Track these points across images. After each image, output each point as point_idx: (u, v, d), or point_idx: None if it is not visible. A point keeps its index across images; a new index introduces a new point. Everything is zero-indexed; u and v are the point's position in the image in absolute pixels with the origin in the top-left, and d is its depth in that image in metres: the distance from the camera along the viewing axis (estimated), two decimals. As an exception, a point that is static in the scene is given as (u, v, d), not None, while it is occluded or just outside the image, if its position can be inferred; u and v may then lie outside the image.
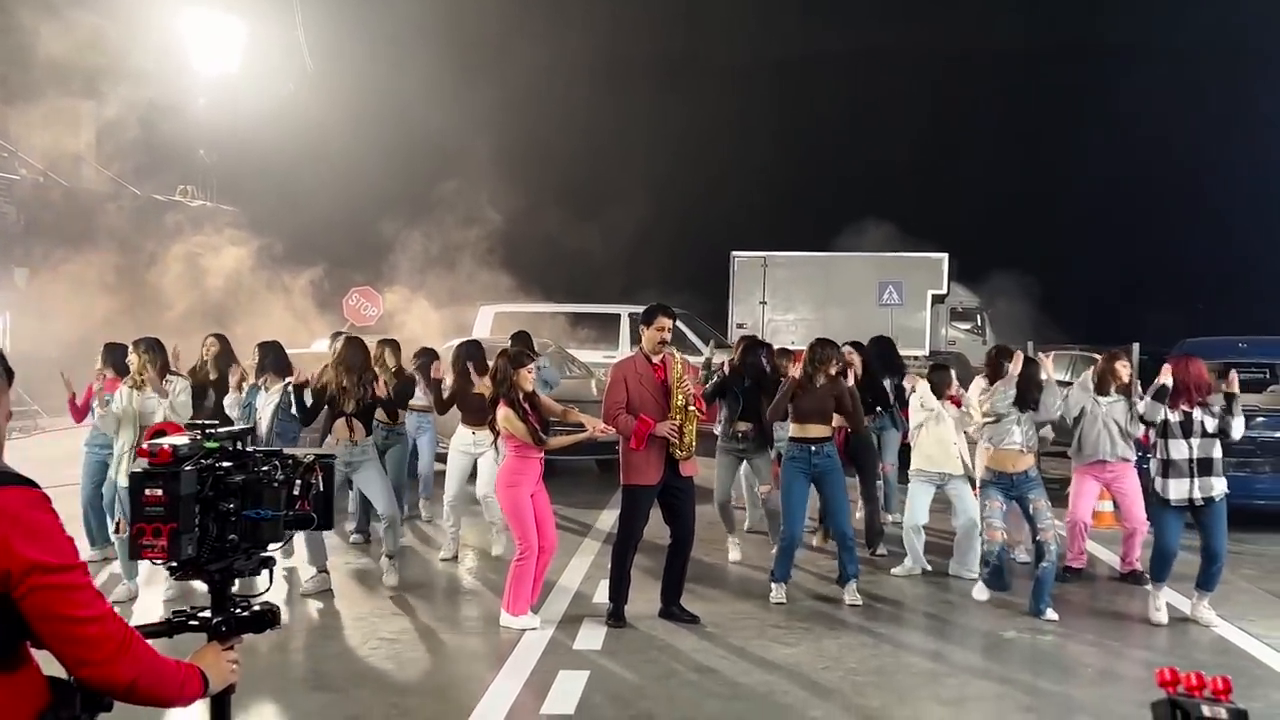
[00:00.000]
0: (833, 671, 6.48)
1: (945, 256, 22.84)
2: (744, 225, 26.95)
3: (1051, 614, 7.62)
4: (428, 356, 10.45)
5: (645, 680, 6.27)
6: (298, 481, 2.91)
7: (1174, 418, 7.48)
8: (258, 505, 2.76)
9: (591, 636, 7.06)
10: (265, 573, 2.94)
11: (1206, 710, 1.40)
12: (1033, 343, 14.84)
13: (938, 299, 22.99)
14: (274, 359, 9.05)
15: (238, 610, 2.87)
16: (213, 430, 2.80)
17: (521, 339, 10.38)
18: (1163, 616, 7.55)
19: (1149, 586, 7.80)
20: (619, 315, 19.33)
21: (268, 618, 2.90)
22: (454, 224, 21.80)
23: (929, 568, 8.92)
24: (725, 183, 32.79)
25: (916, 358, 21.07)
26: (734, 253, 23.80)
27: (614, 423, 7.24)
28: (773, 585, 8.10)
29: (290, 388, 8.64)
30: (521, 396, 7.22)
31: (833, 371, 8.18)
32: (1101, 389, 8.86)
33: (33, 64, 18.62)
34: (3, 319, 18.93)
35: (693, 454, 7.30)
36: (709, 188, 32.27)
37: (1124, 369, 8.96)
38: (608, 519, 10.52)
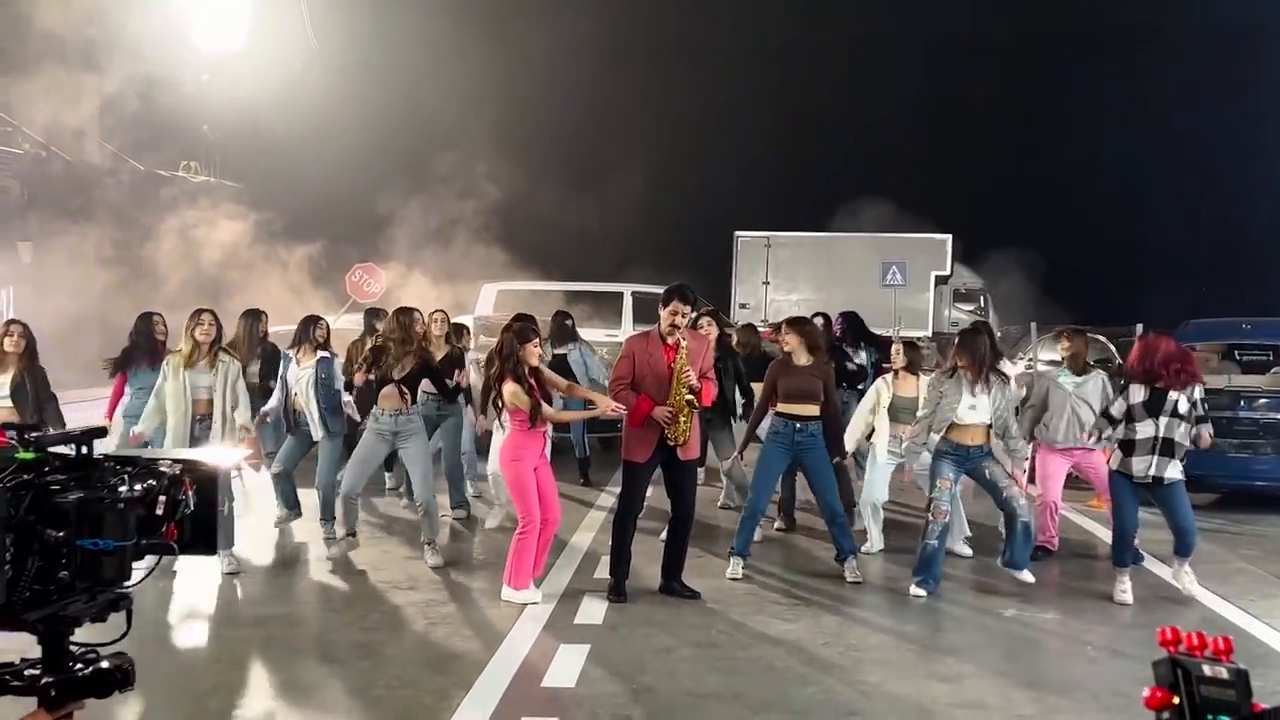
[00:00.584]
0: (832, 647, 6.50)
1: (949, 238, 22.84)
2: (746, 205, 26.93)
3: (1028, 575, 7.68)
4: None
5: (646, 654, 6.29)
6: (160, 499, 2.27)
7: (1138, 398, 7.42)
8: (97, 532, 2.13)
9: (593, 611, 7.08)
10: (119, 613, 2.40)
11: (1208, 669, 1.40)
12: (1035, 324, 14.84)
13: (941, 280, 22.99)
14: (302, 330, 9.09)
15: (76, 668, 2.28)
16: (40, 434, 2.20)
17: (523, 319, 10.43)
18: (1128, 597, 7.54)
19: (1179, 561, 7.70)
20: (622, 294, 19.30)
21: (115, 677, 2.34)
22: (454, 201, 21.76)
23: (882, 546, 8.94)
24: (727, 162, 32.70)
25: (919, 339, 21.07)
26: (737, 233, 23.78)
27: (616, 397, 7.25)
28: (730, 559, 8.08)
29: (334, 362, 8.85)
30: (526, 371, 7.22)
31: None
32: (1075, 368, 8.80)
33: (33, 37, 18.56)
34: (7, 293, 18.93)
35: (683, 442, 7.28)
36: (711, 167, 32.20)
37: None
38: (610, 496, 10.55)
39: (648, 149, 29.42)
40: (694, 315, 8.33)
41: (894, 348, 9.06)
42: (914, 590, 7.60)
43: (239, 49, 23.55)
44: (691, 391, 7.17)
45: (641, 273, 21.30)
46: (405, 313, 8.65)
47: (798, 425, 7.99)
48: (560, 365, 10.28)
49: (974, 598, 7.70)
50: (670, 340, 7.29)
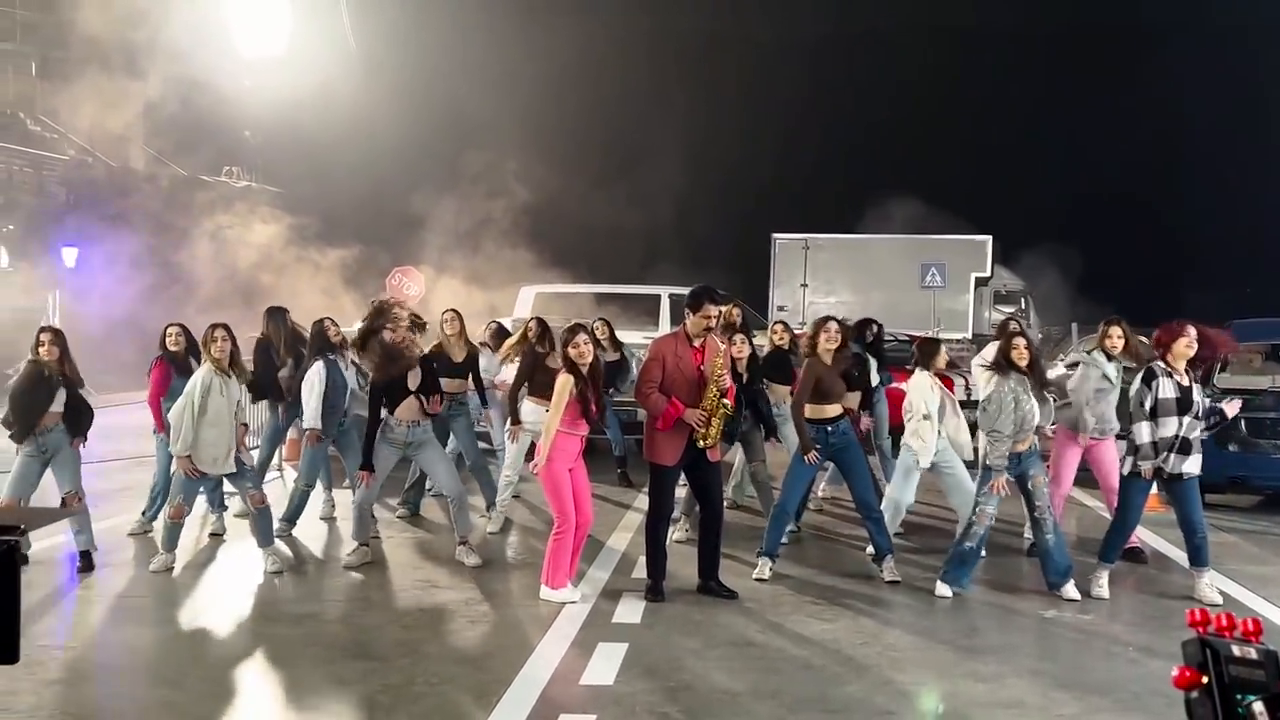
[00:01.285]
0: (870, 647, 6.50)
1: (989, 239, 22.69)
2: (778, 204, 26.90)
3: (1072, 591, 7.52)
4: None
5: (682, 653, 6.32)
6: None
7: (1168, 393, 7.32)
8: None
9: (630, 610, 7.12)
10: None
11: (1236, 650, 1.41)
12: (1076, 324, 14.76)
13: (981, 281, 22.85)
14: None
15: None
16: None
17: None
18: (1104, 592, 7.54)
19: (1196, 571, 7.59)
20: (659, 296, 19.32)
21: None
22: (492, 204, 21.90)
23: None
24: (760, 161, 32.68)
25: (960, 341, 20.97)
26: (775, 235, 23.76)
27: (645, 400, 7.28)
28: (758, 560, 8.03)
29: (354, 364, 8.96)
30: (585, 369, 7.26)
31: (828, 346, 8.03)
32: (1131, 357, 8.54)
33: (76, 43, 18.87)
34: (54, 296, 19.24)
35: (714, 445, 7.31)
36: (744, 166, 32.17)
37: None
38: (645, 497, 10.56)
39: (681, 148, 29.42)
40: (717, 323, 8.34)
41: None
42: (940, 589, 7.56)
43: (279, 53, 23.80)
44: (722, 393, 7.19)
45: (674, 273, 21.31)
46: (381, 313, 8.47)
47: (829, 429, 7.99)
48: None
49: (1011, 599, 7.66)
50: (697, 343, 7.31)
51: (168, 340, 9.26)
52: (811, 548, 9.11)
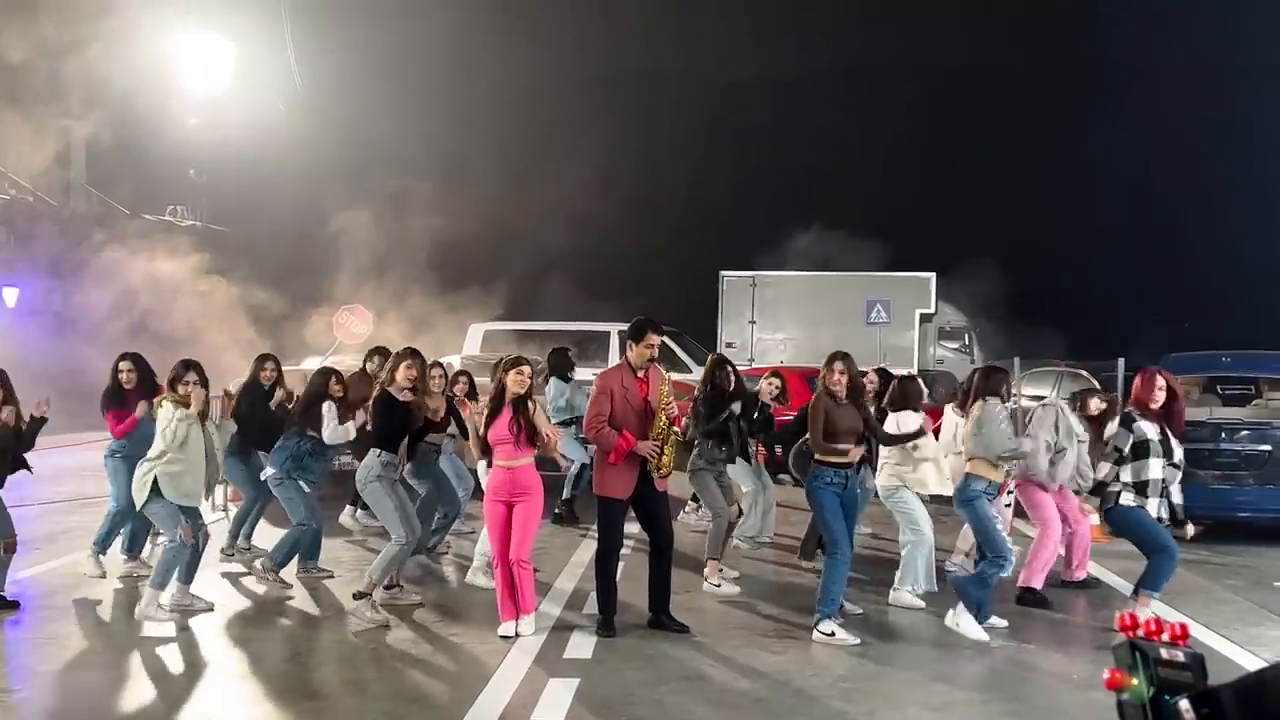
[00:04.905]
0: (820, 679, 6.55)
1: (933, 276, 23.02)
2: (729, 243, 27.09)
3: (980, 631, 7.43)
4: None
5: (634, 688, 6.32)
6: None
7: (1151, 435, 7.47)
8: None
9: (582, 645, 7.11)
10: None
11: (1165, 653, 1.48)
12: (1018, 359, 14.99)
13: (925, 318, 23.16)
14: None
15: None
16: None
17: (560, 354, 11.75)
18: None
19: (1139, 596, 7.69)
20: (608, 333, 19.43)
21: None
22: (438, 240, 21.91)
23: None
24: (712, 200, 32.99)
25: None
26: (723, 272, 23.96)
27: (596, 435, 7.31)
28: (825, 621, 7.39)
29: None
30: (509, 399, 7.25)
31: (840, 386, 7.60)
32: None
33: (19, 83, 18.71)
34: (-10, 337, 18.96)
35: (667, 474, 7.37)
36: (695, 205, 32.47)
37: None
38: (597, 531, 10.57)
39: (630, 188, 29.66)
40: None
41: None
42: (968, 629, 7.44)
43: (224, 92, 23.76)
44: (671, 421, 7.24)
45: (624, 312, 21.40)
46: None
47: (848, 473, 7.54)
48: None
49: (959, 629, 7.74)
50: (641, 373, 7.37)
51: (121, 377, 8.93)
52: (762, 579, 9.15)
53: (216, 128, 23.66)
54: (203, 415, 7.87)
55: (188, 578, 7.90)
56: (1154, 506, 7.47)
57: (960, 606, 7.48)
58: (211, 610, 7.91)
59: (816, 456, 7.60)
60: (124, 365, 8.98)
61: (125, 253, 20.12)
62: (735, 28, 36.03)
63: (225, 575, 9.10)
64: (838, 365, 7.59)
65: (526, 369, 7.40)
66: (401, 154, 25.60)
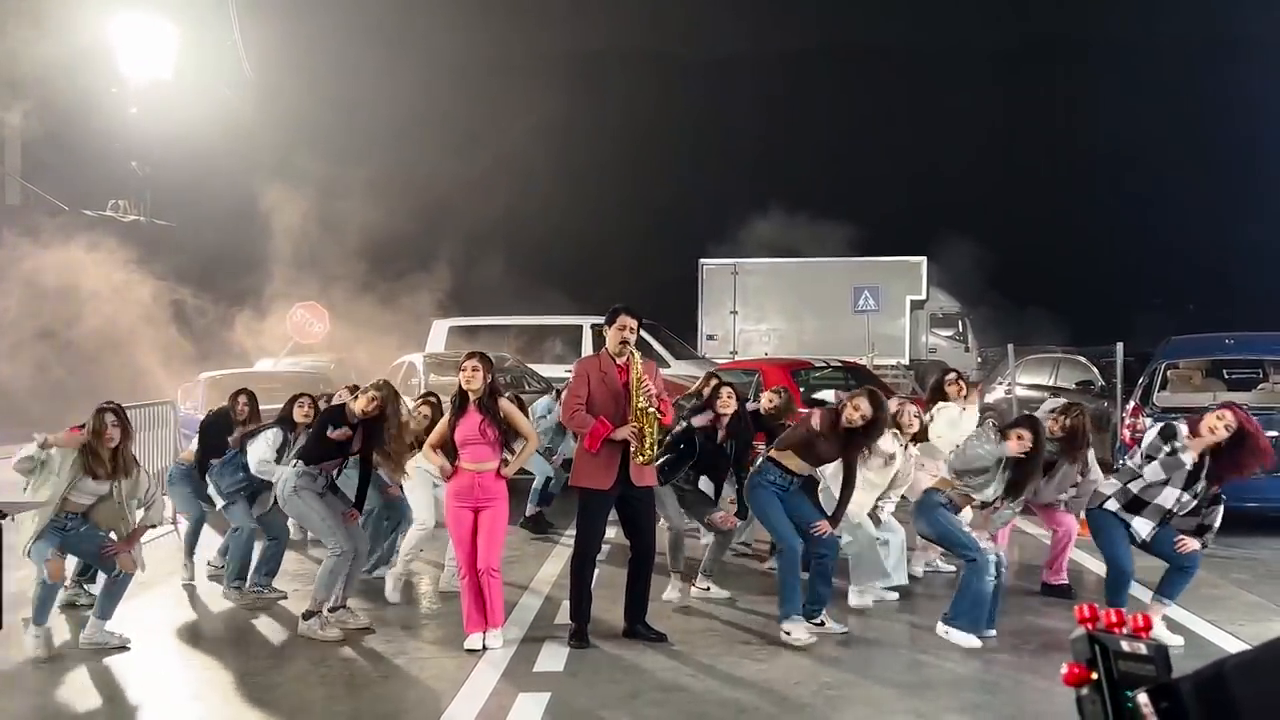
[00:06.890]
0: (805, 687, 6.58)
1: (924, 260, 23.09)
2: (710, 231, 27.15)
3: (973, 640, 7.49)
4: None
5: (609, 701, 6.34)
6: None
7: (1187, 462, 7.18)
8: None
9: (553, 657, 7.13)
10: None
11: (1126, 645, 1.50)
12: (1012, 346, 15.08)
13: (917, 305, 23.23)
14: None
15: None
16: None
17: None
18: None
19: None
20: (581, 326, 19.43)
21: None
22: (402, 232, 21.84)
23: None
24: (692, 187, 33.02)
25: (895, 366, 21.29)
26: (702, 260, 23.99)
27: (571, 420, 7.35)
28: (792, 620, 7.57)
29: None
30: (474, 399, 7.27)
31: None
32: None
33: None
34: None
35: (653, 460, 7.38)
36: (674, 192, 32.47)
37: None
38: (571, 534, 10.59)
39: (609, 174, 29.67)
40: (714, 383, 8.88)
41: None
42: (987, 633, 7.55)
43: (167, 78, 23.59)
44: (650, 403, 7.24)
45: (599, 304, 21.39)
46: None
47: (792, 480, 7.80)
48: None
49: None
50: (621, 360, 7.40)
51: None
52: (742, 584, 9.18)
53: (160, 116, 23.50)
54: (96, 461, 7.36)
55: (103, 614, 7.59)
56: (1141, 526, 7.38)
57: (949, 615, 7.54)
58: (127, 648, 7.54)
59: (772, 452, 7.85)
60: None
61: (58, 250, 19.94)
62: (712, 4, 36.10)
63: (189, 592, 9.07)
64: (864, 405, 7.59)
65: (470, 364, 7.35)
66: (358, 143, 25.54)
